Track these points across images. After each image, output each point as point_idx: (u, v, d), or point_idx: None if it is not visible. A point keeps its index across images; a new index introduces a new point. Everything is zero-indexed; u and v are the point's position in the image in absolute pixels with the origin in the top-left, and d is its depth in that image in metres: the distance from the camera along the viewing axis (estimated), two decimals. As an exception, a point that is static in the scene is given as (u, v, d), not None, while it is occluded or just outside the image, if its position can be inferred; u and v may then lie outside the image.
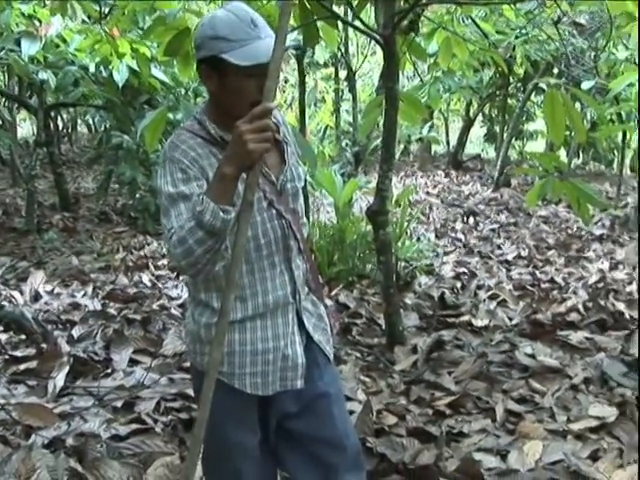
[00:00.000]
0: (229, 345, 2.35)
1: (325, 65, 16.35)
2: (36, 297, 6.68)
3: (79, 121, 21.34)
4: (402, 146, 20.49)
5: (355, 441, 2.63)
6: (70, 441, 3.86)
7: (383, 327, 5.73)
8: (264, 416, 2.51)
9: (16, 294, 6.62)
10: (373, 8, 5.95)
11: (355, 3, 4.95)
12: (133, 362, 5.14)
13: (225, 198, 2.08)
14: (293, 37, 5.72)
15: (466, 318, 6.21)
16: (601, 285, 7.42)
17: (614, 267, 8.48)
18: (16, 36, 8.29)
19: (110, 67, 8.31)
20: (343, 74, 13.77)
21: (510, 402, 4.52)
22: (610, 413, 4.26)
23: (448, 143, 21.23)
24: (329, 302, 6.34)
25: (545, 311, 6.36)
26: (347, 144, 12.86)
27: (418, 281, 7.43)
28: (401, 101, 4.99)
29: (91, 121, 18.00)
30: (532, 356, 5.21)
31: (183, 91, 9.87)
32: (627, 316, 6.16)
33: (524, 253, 9.49)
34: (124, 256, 8.66)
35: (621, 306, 6.46)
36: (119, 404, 4.39)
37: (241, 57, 2.17)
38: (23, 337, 5.48)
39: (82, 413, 4.26)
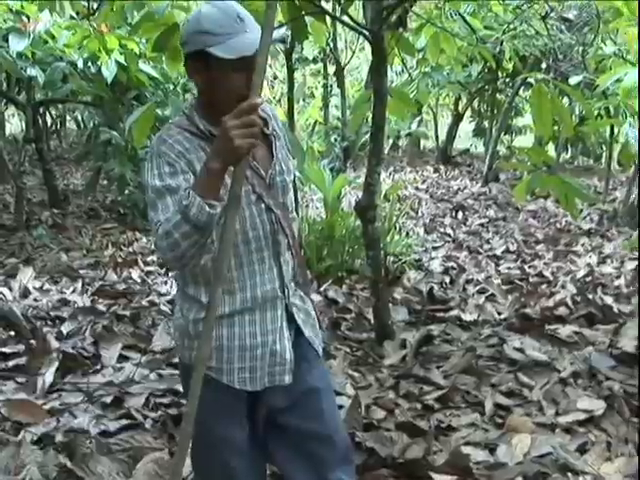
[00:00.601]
0: (217, 340, 2.36)
1: (314, 61, 16.36)
2: (25, 293, 6.66)
3: (68, 117, 21.27)
4: (391, 141, 20.51)
5: (344, 436, 2.64)
6: (59, 437, 3.85)
7: (372, 322, 5.73)
8: (253, 411, 2.51)
9: (5, 290, 6.60)
10: (361, 3, 5.96)
11: (343, -2, 4.96)
12: (122, 358, 5.14)
13: (211, 193, 2.09)
14: (282, 32, 5.71)
15: (455, 312, 6.24)
16: (589, 279, 7.45)
17: (602, 261, 8.50)
18: (4, 32, 8.26)
19: (99, 63, 8.29)
20: (332, 69, 13.80)
21: (499, 396, 4.54)
22: (598, 406, 4.28)
23: (437, 138, 21.24)
24: (318, 297, 6.36)
25: (534, 305, 6.38)
26: (336, 139, 12.89)
27: (407, 276, 7.45)
28: (390, 96, 5.00)
29: (80, 117, 17.94)
30: (521, 350, 5.22)
31: (172, 87, 9.85)
32: (615, 310, 6.18)
33: (513, 247, 9.51)
34: (113, 252, 8.65)
35: (609, 300, 6.48)
36: (108, 400, 4.38)
37: (227, 50, 2.19)
38: (12, 333, 5.47)
39: (71, 409, 4.26)
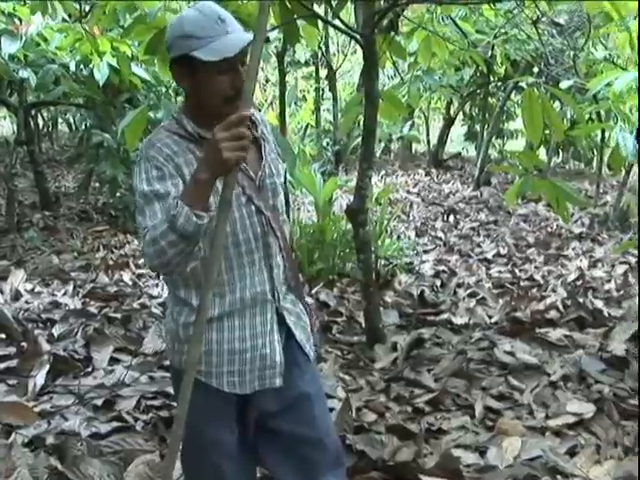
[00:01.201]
0: (207, 344, 2.36)
1: (306, 64, 16.38)
2: (16, 296, 6.66)
3: (60, 120, 21.19)
4: (383, 145, 20.52)
5: (335, 439, 2.65)
6: (50, 440, 3.85)
7: (363, 325, 5.73)
8: (243, 414, 2.51)
9: (-4, 293, 6.61)
10: (353, 7, 5.98)
11: (335, 2, 4.96)
12: (113, 360, 5.13)
13: (199, 203, 2.10)
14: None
15: (446, 316, 6.25)
16: (580, 283, 7.47)
17: (593, 265, 8.54)
18: (-4, 34, 8.25)
19: (91, 65, 8.29)
20: (324, 73, 13.80)
21: (489, 399, 4.55)
22: (588, 409, 4.30)
23: (429, 142, 21.24)
24: (309, 300, 6.36)
25: (524, 309, 6.40)
26: (328, 143, 12.90)
27: (398, 279, 7.46)
28: (381, 99, 5.01)
29: (72, 120, 17.88)
30: (511, 353, 5.23)
31: (164, 89, 9.86)
32: (605, 314, 6.21)
33: (504, 251, 9.53)
34: (105, 255, 8.65)
35: (599, 304, 6.51)
36: (99, 402, 4.38)
37: (210, 53, 2.20)
38: (3, 336, 5.46)
39: (62, 412, 4.26)
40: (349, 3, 5.36)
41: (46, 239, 9.42)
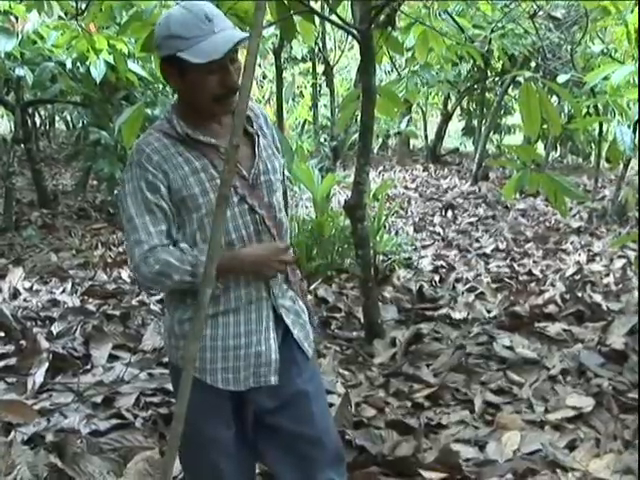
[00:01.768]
0: (201, 341, 2.34)
1: (303, 60, 16.38)
2: (15, 294, 6.66)
3: (57, 118, 21.18)
4: (380, 140, 20.53)
5: (335, 437, 2.66)
6: (50, 437, 3.85)
7: (362, 321, 5.74)
8: (241, 411, 2.52)
9: (-6, 291, 6.61)
10: (350, 3, 5.96)
11: (331, -2, 4.96)
12: (112, 358, 5.13)
13: (224, 278, 2.30)
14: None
15: (444, 311, 6.25)
16: (578, 277, 7.47)
17: (591, 259, 8.54)
18: (-8, 32, 8.23)
19: (87, 63, 8.27)
20: (321, 69, 13.78)
21: (488, 394, 4.56)
22: (587, 403, 4.31)
23: (426, 137, 21.23)
24: (308, 296, 6.35)
25: (523, 303, 6.39)
26: (325, 139, 12.87)
27: (397, 274, 7.45)
28: (378, 95, 5.01)
29: (69, 117, 17.89)
30: (510, 348, 5.24)
31: (161, 86, 9.84)
32: (604, 307, 6.21)
33: (502, 246, 9.53)
34: (103, 252, 8.64)
35: (598, 298, 6.51)
36: (99, 400, 4.38)
37: (197, 55, 2.18)
38: (2, 334, 5.46)
39: (62, 409, 4.26)
40: (346, -1, 5.36)
41: (44, 237, 9.42)
